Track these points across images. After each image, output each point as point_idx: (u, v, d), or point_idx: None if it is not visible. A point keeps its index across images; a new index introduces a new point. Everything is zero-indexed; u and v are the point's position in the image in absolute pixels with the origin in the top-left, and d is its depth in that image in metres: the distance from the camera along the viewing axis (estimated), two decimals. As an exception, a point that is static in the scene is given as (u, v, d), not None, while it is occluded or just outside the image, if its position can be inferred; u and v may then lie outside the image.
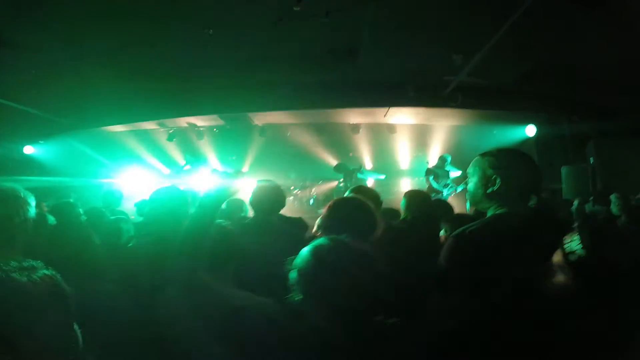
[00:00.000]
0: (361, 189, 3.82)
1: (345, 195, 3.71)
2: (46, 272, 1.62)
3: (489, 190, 2.21)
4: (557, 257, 1.59)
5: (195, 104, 10.72)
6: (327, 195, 12.60)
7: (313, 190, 13.32)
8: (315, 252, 1.78)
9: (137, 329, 2.24)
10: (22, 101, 9.95)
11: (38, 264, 1.66)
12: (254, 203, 3.51)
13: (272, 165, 12.71)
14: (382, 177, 12.01)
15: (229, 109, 11.01)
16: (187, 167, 11.17)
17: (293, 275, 1.79)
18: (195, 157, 11.33)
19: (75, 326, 1.73)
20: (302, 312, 1.69)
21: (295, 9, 6.03)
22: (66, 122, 11.24)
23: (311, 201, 12.98)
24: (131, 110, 10.88)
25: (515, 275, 1.79)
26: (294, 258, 1.84)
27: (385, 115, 11.29)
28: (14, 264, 1.55)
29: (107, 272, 2.70)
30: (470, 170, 2.35)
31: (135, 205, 5.75)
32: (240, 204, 5.37)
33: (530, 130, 10.63)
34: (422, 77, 9.13)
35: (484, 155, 2.31)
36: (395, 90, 9.74)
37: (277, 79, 9.58)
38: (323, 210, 2.73)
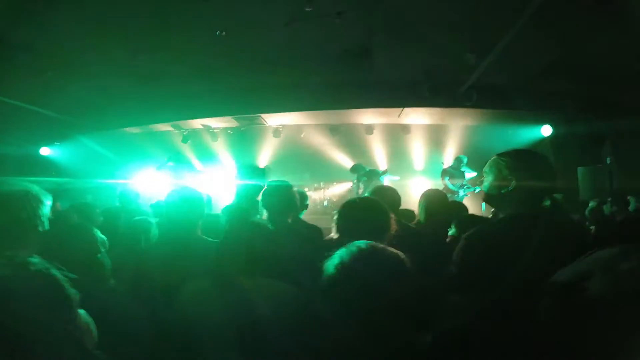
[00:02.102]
0: (380, 190, 3.81)
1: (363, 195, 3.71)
2: (42, 268, 1.52)
3: (504, 191, 2.24)
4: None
5: (209, 105, 10.80)
6: (342, 197, 12.60)
7: (327, 191, 13.30)
8: (349, 258, 1.68)
9: (149, 328, 2.25)
10: (38, 103, 10.11)
11: (35, 260, 1.57)
12: (267, 204, 3.51)
13: (286, 167, 12.73)
14: (397, 178, 11.96)
15: (243, 111, 11.09)
16: (170, 164, 11.19)
17: (324, 280, 1.70)
18: (178, 156, 11.35)
19: (83, 322, 1.69)
20: (332, 318, 1.63)
21: (307, 9, 6.04)
22: (82, 123, 11.40)
23: (325, 202, 12.99)
24: (147, 112, 11.02)
25: (526, 276, 1.78)
26: (320, 261, 1.76)
27: (399, 116, 11.26)
28: (1, 259, 1.49)
29: (118, 272, 2.73)
30: (486, 170, 2.38)
31: (151, 206, 5.80)
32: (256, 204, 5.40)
33: (546, 130, 10.52)
34: (437, 76, 9.08)
35: (500, 155, 2.34)
36: (409, 90, 9.71)
37: (290, 81, 9.60)
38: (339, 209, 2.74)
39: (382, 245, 1.76)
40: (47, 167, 12.21)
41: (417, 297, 1.64)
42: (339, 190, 13.19)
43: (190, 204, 2.91)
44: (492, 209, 4.52)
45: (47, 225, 2.16)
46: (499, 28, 6.55)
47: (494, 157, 2.37)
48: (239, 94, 10.17)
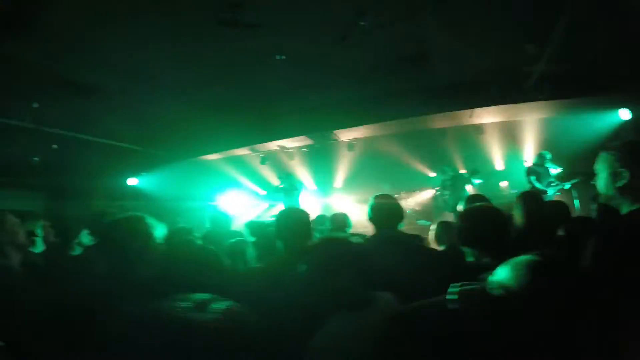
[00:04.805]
0: (481, 198, 3.76)
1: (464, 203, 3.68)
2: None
3: (619, 184, 2.17)
4: None
5: (282, 127, 11.12)
6: (425, 205, 12.45)
7: (409, 200, 13.18)
8: (533, 270, 1.67)
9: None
10: (123, 139, 10.93)
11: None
12: (373, 218, 3.50)
13: (364, 179, 12.82)
14: (480, 181, 11.62)
15: (315, 129, 11.35)
16: (281, 186, 11.57)
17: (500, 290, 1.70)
18: (288, 177, 11.67)
19: None
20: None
21: (361, 24, 6.14)
22: (164, 154, 12.08)
23: (408, 211, 12.87)
24: (224, 139, 11.53)
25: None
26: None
27: (470, 117, 11.05)
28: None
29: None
30: (597, 167, 2.32)
31: (247, 225, 6.01)
32: (344, 218, 5.47)
33: (625, 114, 9.96)
34: (502, 72, 8.86)
35: (608, 150, 2.27)
36: (476, 91, 9.52)
37: (357, 94, 9.72)
38: (459, 220, 2.75)
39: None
40: (135, 195, 13.02)
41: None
42: (422, 198, 13.05)
43: (301, 225, 3.00)
44: (596, 207, 4.35)
45: (160, 247, 2.35)
46: (556, 12, 6.29)
47: (602, 153, 2.30)
48: (310, 113, 10.42)
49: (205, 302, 1.16)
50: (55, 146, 10.16)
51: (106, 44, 6.80)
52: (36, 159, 10.74)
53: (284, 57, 7.45)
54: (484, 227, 2.60)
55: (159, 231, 2.46)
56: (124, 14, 5.97)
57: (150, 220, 2.44)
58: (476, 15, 6.58)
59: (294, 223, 3.03)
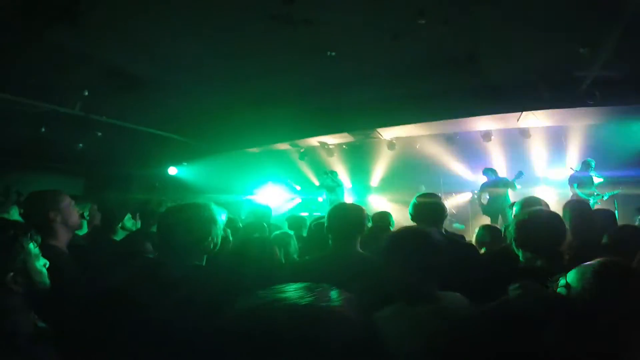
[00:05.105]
0: (534, 201, 3.71)
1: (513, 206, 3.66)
2: (334, 292, 1.04)
3: None
4: None
5: (326, 123, 11.08)
6: (461, 207, 12.27)
7: (445, 203, 12.88)
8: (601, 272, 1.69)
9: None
10: (166, 129, 11.10)
11: (307, 285, 1.06)
12: (416, 216, 3.51)
13: (402, 179, 12.74)
14: (519, 187, 11.36)
15: (359, 126, 11.29)
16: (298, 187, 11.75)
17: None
18: (332, 174, 11.70)
19: None
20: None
21: (420, 22, 6.04)
22: (205, 146, 12.24)
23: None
24: (266, 133, 11.56)
25: None
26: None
27: (518, 120, 10.80)
28: (294, 292, 1.01)
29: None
30: None
31: (286, 218, 6.00)
32: (387, 215, 5.41)
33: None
34: (554, 76, 8.62)
35: None
36: (527, 93, 9.28)
37: (403, 92, 9.60)
38: (517, 222, 2.71)
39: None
40: (175, 185, 13.33)
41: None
42: (458, 201, 12.86)
43: (350, 219, 2.97)
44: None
45: (229, 236, 2.33)
46: (613, 17, 6.11)
47: None
48: (354, 110, 10.33)
49: (323, 290, 1.01)
50: (99, 134, 10.38)
51: (154, 36, 6.91)
52: (80, 145, 10.99)
53: (334, 53, 7.38)
54: (542, 231, 2.64)
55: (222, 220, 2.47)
56: (173, 5, 6.03)
57: (215, 209, 2.43)
58: (531, 16, 6.40)
59: (349, 218, 3.00)
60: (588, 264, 1.74)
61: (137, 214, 4.66)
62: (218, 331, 0.98)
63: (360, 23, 6.55)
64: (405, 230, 2.37)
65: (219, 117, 10.84)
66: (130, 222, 4.81)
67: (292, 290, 0.98)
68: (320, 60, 7.69)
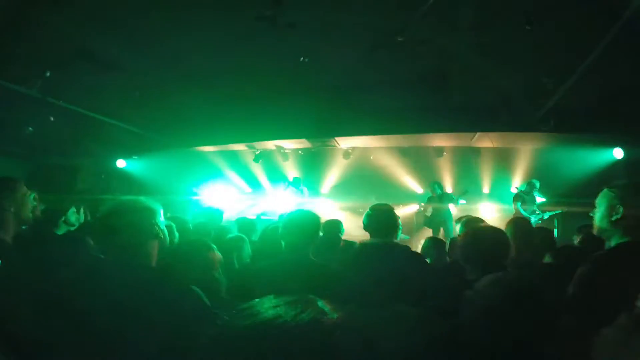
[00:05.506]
0: (477, 220, 3.83)
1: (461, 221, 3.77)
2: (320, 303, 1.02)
3: (614, 218, 2.41)
4: None
5: (285, 127, 10.99)
6: (408, 219, 12.48)
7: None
8: (502, 285, 1.77)
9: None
10: (122, 118, 10.72)
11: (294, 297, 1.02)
12: (370, 226, 3.56)
13: (353, 188, 12.85)
14: (464, 202, 11.73)
15: (318, 134, 11.32)
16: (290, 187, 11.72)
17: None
18: (296, 179, 11.74)
19: None
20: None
21: (399, 39, 6.15)
22: (160, 140, 11.90)
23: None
24: (223, 132, 11.35)
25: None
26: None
27: (472, 139, 11.14)
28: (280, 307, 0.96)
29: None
30: (597, 201, 2.57)
31: (237, 222, 5.96)
32: (337, 224, 5.46)
33: (618, 153, 10.26)
34: (514, 101, 8.96)
35: (610, 188, 2.53)
36: (485, 115, 9.62)
37: (365, 104, 9.68)
38: (464, 238, 2.81)
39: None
40: (122, 179, 12.92)
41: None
42: (405, 212, 13.07)
43: (305, 227, 2.99)
44: (579, 238, 4.63)
45: (166, 235, 2.28)
46: (578, 52, 6.51)
47: (604, 189, 2.54)
48: (316, 117, 10.29)
49: (309, 302, 0.97)
50: (52, 118, 9.95)
51: (133, 23, 6.68)
52: (31, 129, 10.47)
53: (307, 59, 7.39)
54: (488, 246, 2.77)
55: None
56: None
57: (158, 207, 2.38)
58: (502, 45, 6.74)
59: (304, 226, 3.03)
60: None
61: (82, 208, 4.52)
62: (211, 345, 0.94)
63: (340, 32, 6.61)
64: (372, 243, 2.41)
65: (179, 112, 10.54)
66: (74, 217, 4.59)
67: (283, 305, 0.96)
68: (292, 65, 7.66)
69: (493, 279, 1.83)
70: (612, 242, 2.46)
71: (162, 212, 2.37)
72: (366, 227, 3.59)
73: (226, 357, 0.89)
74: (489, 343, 1.68)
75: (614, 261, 2.32)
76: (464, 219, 4.59)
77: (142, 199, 2.35)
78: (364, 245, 2.61)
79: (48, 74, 8.07)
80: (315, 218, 3.12)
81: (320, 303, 0.99)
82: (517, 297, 1.71)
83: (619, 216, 2.39)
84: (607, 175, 9.86)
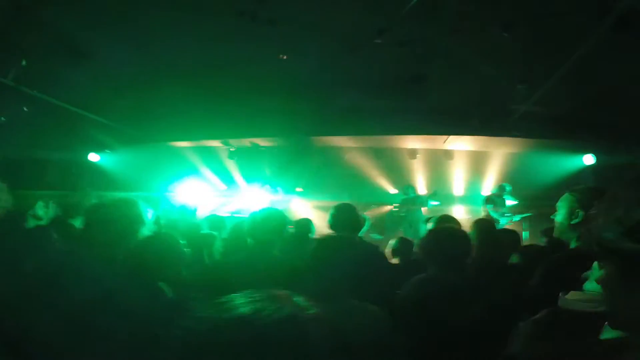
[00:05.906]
0: (449, 219, 3.90)
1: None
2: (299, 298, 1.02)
3: (573, 222, 2.48)
4: None
5: (259, 125, 11.00)
6: (380, 219, 12.58)
7: (365, 213, 13.15)
8: (421, 285, 1.80)
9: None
10: (94, 110, 10.51)
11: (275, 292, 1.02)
12: (334, 225, 3.62)
13: (327, 187, 12.86)
14: (437, 203, 11.90)
15: (293, 133, 11.29)
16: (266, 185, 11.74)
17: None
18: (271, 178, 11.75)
19: None
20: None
21: (376, 41, 6.21)
22: (134, 133, 11.77)
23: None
24: (198, 128, 11.31)
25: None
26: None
27: (444, 142, 11.30)
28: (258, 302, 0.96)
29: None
30: (559, 204, 2.60)
31: (208, 219, 5.95)
32: (307, 223, 5.52)
33: (588, 160, 10.55)
34: (488, 106, 9.11)
35: (571, 191, 2.57)
36: (459, 119, 9.79)
37: (341, 104, 9.72)
38: (428, 237, 2.86)
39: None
40: (94, 172, 12.70)
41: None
42: (377, 212, 13.16)
43: (271, 224, 3.04)
44: (545, 240, 4.71)
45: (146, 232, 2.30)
46: (554, 59, 6.66)
47: (566, 193, 2.60)
48: (291, 116, 10.32)
49: (286, 297, 0.98)
50: (25, 109, 9.73)
51: (115, 11, 6.57)
52: (2, 119, 10.20)
53: (285, 57, 7.40)
54: (447, 245, 2.79)
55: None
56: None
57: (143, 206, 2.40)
58: (479, 48, 6.86)
59: (269, 223, 3.10)
60: None
61: (50, 203, 4.48)
62: (185, 336, 0.93)
63: (319, 31, 6.64)
64: (328, 238, 2.46)
65: (154, 106, 10.48)
66: (42, 211, 4.56)
67: (259, 300, 0.95)
68: (269, 62, 7.69)
69: (421, 278, 1.88)
70: (572, 245, 2.52)
71: (150, 212, 2.41)
72: (332, 226, 3.72)
73: (201, 350, 0.88)
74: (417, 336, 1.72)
75: (570, 262, 2.31)
76: (437, 216, 4.68)
77: (129, 198, 2.39)
78: (323, 238, 2.65)
79: (24, 63, 7.86)
80: (281, 216, 3.19)
81: (296, 299, 1.00)
82: (440, 296, 1.76)
83: (578, 220, 2.45)
84: (576, 181, 10.07)
